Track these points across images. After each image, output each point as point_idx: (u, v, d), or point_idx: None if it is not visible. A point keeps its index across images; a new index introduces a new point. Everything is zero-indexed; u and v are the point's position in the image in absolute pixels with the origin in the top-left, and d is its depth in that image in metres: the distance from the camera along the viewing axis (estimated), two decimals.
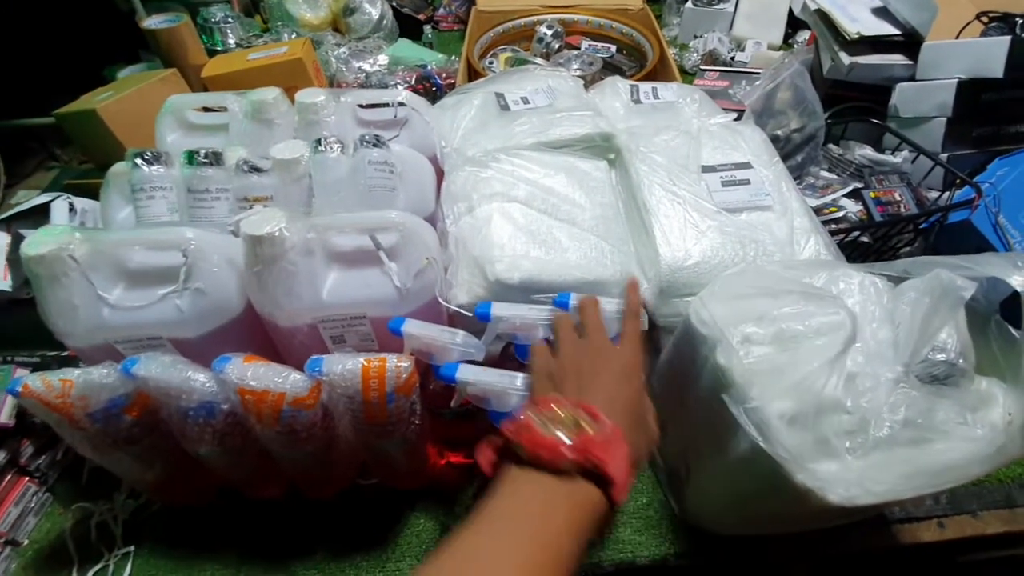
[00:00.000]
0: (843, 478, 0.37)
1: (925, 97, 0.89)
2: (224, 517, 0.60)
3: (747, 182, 0.62)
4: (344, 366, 0.46)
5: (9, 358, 0.63)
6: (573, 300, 0.50)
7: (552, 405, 0.32)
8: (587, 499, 0.29)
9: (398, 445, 0.54)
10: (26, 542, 0.59)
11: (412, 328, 0.48)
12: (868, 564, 0.65)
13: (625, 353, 0.39)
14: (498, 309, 0.50)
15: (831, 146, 0.83)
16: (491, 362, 0.55)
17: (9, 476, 0.59)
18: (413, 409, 0.52)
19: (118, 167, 0.60)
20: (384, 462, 0.57)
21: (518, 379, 0.45)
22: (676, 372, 0.57)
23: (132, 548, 0.57)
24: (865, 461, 0.38)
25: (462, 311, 0.56)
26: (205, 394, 0.47)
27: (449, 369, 0.45)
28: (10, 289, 0.64)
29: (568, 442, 0.29)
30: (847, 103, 0.93)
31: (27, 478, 0.60)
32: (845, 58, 0.90)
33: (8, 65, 1.20)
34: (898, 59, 0.92)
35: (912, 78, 0.90)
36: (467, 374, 0.44)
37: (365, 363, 0.46)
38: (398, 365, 0.47)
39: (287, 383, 0.46)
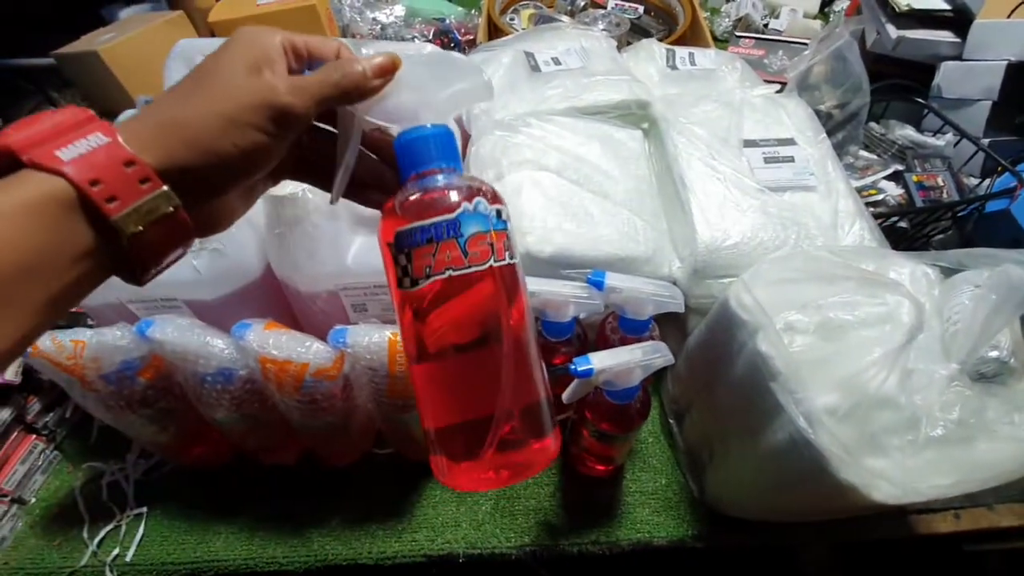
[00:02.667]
0: (890, 477, 0.36)
1: (971, 78, 0.85)
2: (238, 481, 0.59)
3: (791, 159, 0.59)
4: (371, 339, 0.44)
5: None
6: (609, 280, 0.48)
7: None
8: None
9: (419, 419, 0.52)
10: (33, 500, 0.58)
11: None
12: (878, 546, 0.66)
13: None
14: (529, 284, 0.48)
15: (872, 124, 0.80)
16: None
17: (15, 434, 0.57)
18: None
19: (127, 115, 0.56)
20: (402, 434, 0.56)
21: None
22: (706, 356, 0.55)
23: (145, 509, 0.56)
24: (915, 460, 0.37)
25: None
26: (223, 360, 0.45)
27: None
28: None
29: None
30: (888, 80, 0.89)
31: (34, 436, 0.59)
32: (892, 31, 0.85)
33: (1, 3, 1.13)
34: (946, 36, 0.87)
35: (959, 57, 0.86)
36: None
37: (392, 337, 0.44)
38: None
39: (310, 353, 0.44)
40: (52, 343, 0.44)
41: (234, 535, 0.55)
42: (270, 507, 0.57)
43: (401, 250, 0.27)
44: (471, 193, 0.28)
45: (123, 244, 0.22)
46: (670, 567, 0.60)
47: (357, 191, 0.30)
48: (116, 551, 0.54)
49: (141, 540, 0.55)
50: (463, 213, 0.27)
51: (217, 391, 0.47)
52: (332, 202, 0.30)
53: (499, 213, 0.28)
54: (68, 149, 0.21)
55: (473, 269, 0.27)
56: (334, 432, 0.52)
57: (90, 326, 0.51)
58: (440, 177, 0.28)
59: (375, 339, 0.44)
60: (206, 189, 0.25)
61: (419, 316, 0.28)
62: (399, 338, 0.44)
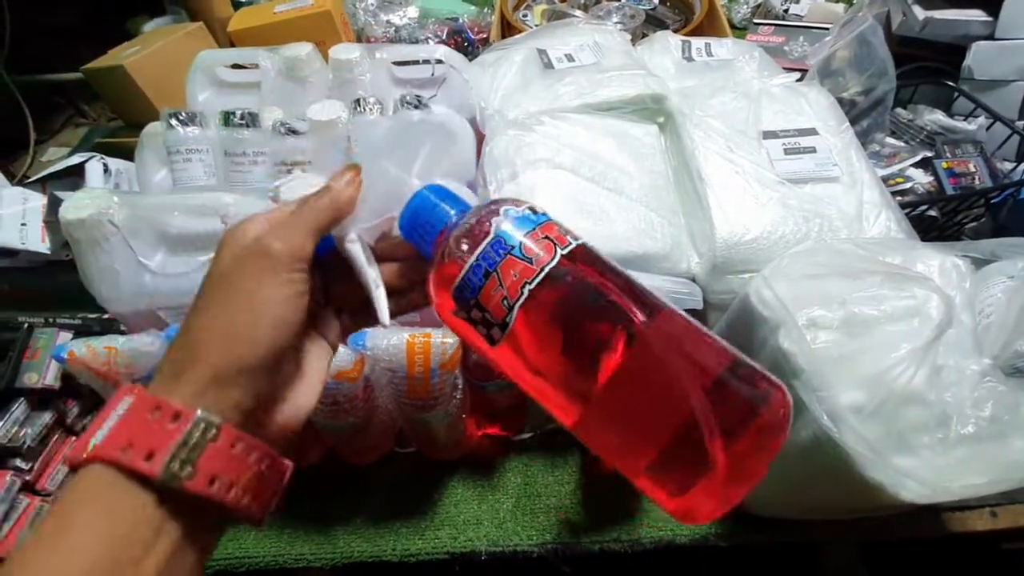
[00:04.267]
0: (919, 476, 0.35)
1: (1005, 58, 0.82)
2: None
3: (812, 150, 0.58)
4: (389, 341, 0.45)
5: (51, 319, 0.63)
6: None
7: None
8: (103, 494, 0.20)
9: (439, 419, 0.53)
10: None
11: None
12: (911, 544, 0.64)
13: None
14: None
15: (898, 110, 0.77)
16: None
17: (56, 436, 0.60)
18: (455, 384, 0.51)
19: (152, 127, 0.58)
20: (423, 433, 0.57)
21: None
22: None
23: None
24: (945, 458, 0.36)
25: None
26: None
27: None
28: (48, 252, 0.64)
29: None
30: (916, 63, 0.86)
31: (74, 437, 0.62)
32: (919, 12, 0.82)
33: (32, 18, 1.18)
34: (977, 15, 0.84)
35: (991, 36, 0.83)
36: None
37: (410, 339, 0.45)
38: (443, 341, 0.45)
39: None
40: (87, 350, 0.46)
41: (263, 533, 0.57)
42: (297, 505, 0.58)
43: (469, 306, 0.24)
44: (493, 208, 0.26)
45: (185, 494, 0.20)
46: (693, 565, 0.60)
47: (401, 301, 0.29)
48: None
49: None
50: (498, 228, 0.25)
51: None
52: (385, 325, 0.28)
53: (532, 210, 0.26)
54: (100, 431, 0.20)
55: (549, 266, 0.23)
56: (357, 432, 0.53)
57: (122, 332, 0.53)
58: (454, 219, 0.26)
59: (393, 341, 0.45)
60: (246, 383, 0.22)
61: (537, 360, 0.24)
62: (416, 339, 0.44)
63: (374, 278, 0.27)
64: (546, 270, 0.23)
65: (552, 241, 0.24)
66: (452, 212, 0.27)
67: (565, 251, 0.24)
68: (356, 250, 0.27)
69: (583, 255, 0.25)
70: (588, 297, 0.24)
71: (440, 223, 0.26)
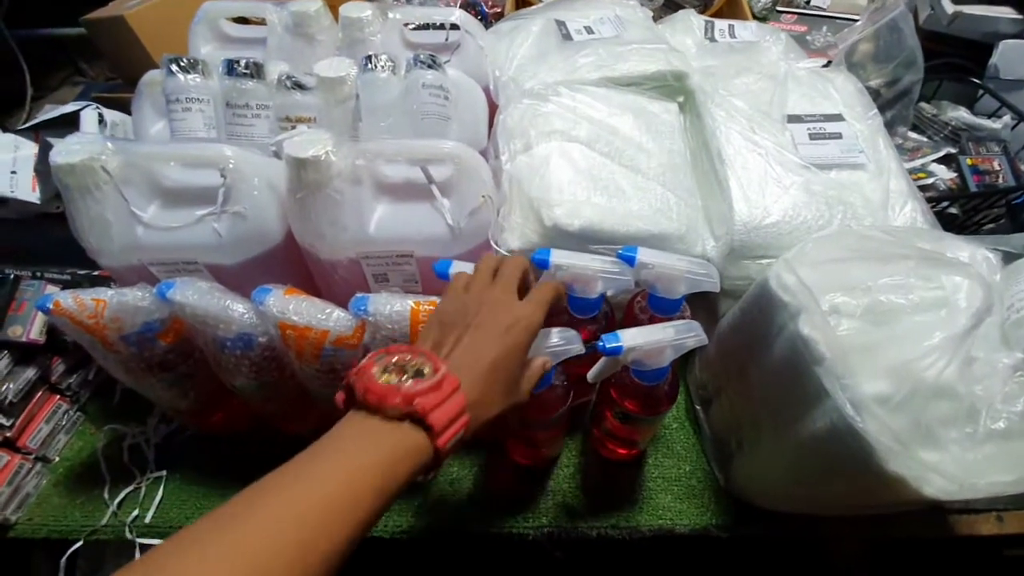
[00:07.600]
0: (945, 471, 0.34)
1: None
2: (255, 447, 0.58)
3: (838, 136, 0.56)
4: (392, 307, 0.42)
5: (39, 273, 0.60)
6: (641, 255, 0.46)
7: (398, 354, 0.32)
8: (406, 440, 0.30)
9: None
10: (57, 459, 0.59)
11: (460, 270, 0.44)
12: (913, 544, 0.63)
13: (520, 309, 0.36)
14: (558, 257, 0.46)
15: (922, 105, 0.75)
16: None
17: (40, 393, 0.57)
18: None
19: (152, 75, 0.55)
20: None
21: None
22: (740, 340, 0.52)
23: (164, 473, 0.57)
24: (973, 454, 0.34)
25: None
26: (244, 325, 0.44)
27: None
28: (38, 201, 0.61)
29: (399, 389, 0.30)
30: (941, 58, 0.84)
31: (58, 396, 0.59)
32: (948, 6, 0.80)
33: None
34: (1006, 12, 0.82)
35: (1019, 35, 0.81)
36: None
37: (415, 306, 0.43)
38: None
39: (330, 320, 0.43)
40: (74, 301, 0.43)
41: None
42: None
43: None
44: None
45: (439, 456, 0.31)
46: (691, 557, 0.58)
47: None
48: (136, 512, 0.54)
49: (160, 503, 0.55)
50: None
51: (236, 357, 0.46)
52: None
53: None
54: (440, 410, 0.30)
55: None
56: None
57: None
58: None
59: (397, 308, 0.43)
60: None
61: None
62: (421, 307, 0.42)
63: None
64: None
65: None
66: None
67: None
68: None
69: None
70: None
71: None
